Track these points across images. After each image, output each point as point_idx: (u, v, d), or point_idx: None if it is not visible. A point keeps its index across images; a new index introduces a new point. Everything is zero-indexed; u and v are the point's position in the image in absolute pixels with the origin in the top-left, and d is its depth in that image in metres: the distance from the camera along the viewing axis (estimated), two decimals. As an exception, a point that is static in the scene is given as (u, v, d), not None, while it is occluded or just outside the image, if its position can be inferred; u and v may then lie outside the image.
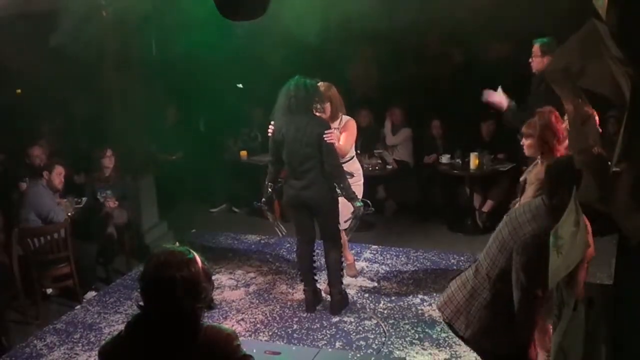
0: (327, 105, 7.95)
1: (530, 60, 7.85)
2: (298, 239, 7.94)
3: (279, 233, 8.12)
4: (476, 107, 8.57)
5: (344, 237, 8.11)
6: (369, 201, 7.89)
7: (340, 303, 7.91)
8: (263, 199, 7.94)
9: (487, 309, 4.92)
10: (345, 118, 8.21)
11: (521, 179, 6.49)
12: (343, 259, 8.04)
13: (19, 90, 11.73)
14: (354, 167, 8.29)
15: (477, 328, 4.96)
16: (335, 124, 7.99)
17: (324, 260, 8.05)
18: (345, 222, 7.90)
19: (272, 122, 7.62)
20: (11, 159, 10.17)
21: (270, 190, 7.89)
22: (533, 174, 6.19)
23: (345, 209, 7.79)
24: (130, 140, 9.71)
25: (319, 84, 7.79)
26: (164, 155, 11.75)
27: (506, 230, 4.83)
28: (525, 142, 6.35)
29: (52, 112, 11.15)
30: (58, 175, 8.66)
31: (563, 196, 4.26)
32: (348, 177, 7.88)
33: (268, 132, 7.69)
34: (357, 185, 8.20)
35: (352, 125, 8.17)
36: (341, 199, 7.69)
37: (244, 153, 11.44)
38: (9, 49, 8.76)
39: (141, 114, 9.77)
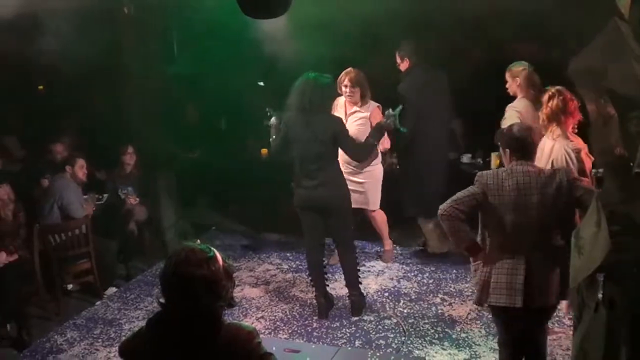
0: (357, 90, 8.23)
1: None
2: (308, 245, 7.82)
3: None
4: (498, 106, 8.52)
5: (384, 221, 8.23)
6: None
7: (360, 304, 7.85)
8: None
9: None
10: (373, 104, 8.38)
11: None
12: (381, 248, 8.26)
13: (41, 87, 11.78)
14: (374, 152, 8.37)
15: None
16: (363, 109, 8.24)
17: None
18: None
19: (269, 111, 7.67)
20: (33, 155, 10.21)
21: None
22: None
23: (376, 189, 8.07)
24: (151, 137, 9.74)
25: (348, 69, 7.96)
26: (185, 152, 11.76)
27: None
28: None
29: (73, 109, 11.18)
30: (81, 168, 8.72)
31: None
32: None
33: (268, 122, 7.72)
34: (377, 167, 8.52)
35: (379, 112, 8.27)
36: (371, 182, 7.75)
37: (264, 151, 11.42)
38: (31, 45, 8.80)
39: (162, 111, 9.79)
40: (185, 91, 11.13)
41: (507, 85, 7.88)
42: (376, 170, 8.61)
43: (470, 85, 9.27)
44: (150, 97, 9.66)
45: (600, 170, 6.60)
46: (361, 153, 7.68)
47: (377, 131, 7.45)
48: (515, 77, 7.92)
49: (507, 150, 5.44)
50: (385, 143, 8.46)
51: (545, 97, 6.77)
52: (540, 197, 5.21)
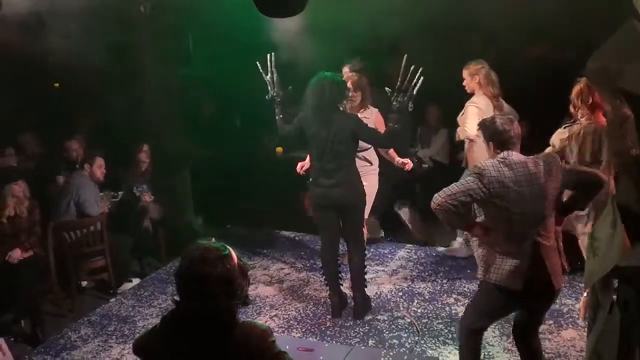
0: (358, 94, 8.12)
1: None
2: (323, 242, 7.78)
3: None
4: (514, 105, 8.50)
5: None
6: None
7: (363, 307, 7.82)
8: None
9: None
10: (374, 110, 8.32)
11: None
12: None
13: (57, 84, 11.82)
14: (373, 157, 8.34)
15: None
16: (364, 114, 8.08)
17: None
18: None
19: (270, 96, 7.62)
20: (49, 152, 10.25)
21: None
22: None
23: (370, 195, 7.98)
24: (167, 135, 9.77)
25: (350, 72, 7.93)
26: (200, 150, 11.78)
27: None
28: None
29: (89, 107, 11.22)
30: (99, 167, 8.77)
31: None
32: (367, 165, 8.10)
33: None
34: (373, 174, 8.33)
35: (381, 117, 8.21)
36: (366, 186, 7.71)
37: (279, 149, 11.42)
38: (47, 43, 8.83)
39: (177, 109, 9.82)
40: (200, 90, 11.15)
41: (464, 83, 7.96)
42: (372, 177, 8.43)
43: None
44: (165, 95, 9.69)
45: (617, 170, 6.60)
46: (386, 140, 7.59)
47: (393, 113, 7.31)
48: (474, 75, 8.19)
49: (491, 143, 5.47)
50: (408, 164, 8.40)
51: (578, 88, 7.30)
52: (540, 185, 5.27)
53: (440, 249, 9.51)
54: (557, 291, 5.51)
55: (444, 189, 5.32)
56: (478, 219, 5.52)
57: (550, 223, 5.42)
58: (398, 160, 8.38)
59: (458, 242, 9.25)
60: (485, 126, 5.54)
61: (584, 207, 6.27)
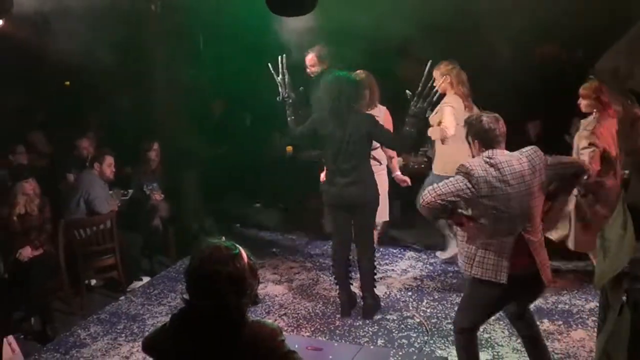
0: (366, 93, 8.07)
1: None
2: (335, 242, 7.77)
3: None
4: (523, 106, 8.50)
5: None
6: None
7: (373, 307, 7.80)
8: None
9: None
10: (382, 108, 8.34)
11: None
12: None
13: (67, 83, 11.86)
14: (380, 155, 8.32)
15: None
16: (373, 112, 8.04)
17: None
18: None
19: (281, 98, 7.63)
20: (59, 150, 10.28)
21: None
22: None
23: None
24: (177, 134, 9.78)
25: (358, 71, 7.95)
26: (210, 149, 11.79)
27: None
28: (583, 102, 7.44)
29: (99, 105, 11.25)
30: (109, 165, 8.79)
31: None
32: (377, 164, 8.08)
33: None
34: (382, 173, 8.32)
35: (389, 116, 8.30)
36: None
37: (289, 148, 11.43)
38: (58, 42, 8.85)
39: (188, 108, 9.83)
40: (210, 88, 11.17)
41: (434, 83, 7.96)
42: (382, 176, 8.38)
43: (496, 84, 9.28)
44: (175, 94, 9.70)
45: (627, 171, 6.59)
46: (401, 144, 7.61)
47: (411, 117, 7.29)
48: (445, 75, 8.19)
49: (476, 141, 5.46)
50: (406, 182, 8.49)
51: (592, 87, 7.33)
52: (526, 183, 5.30)
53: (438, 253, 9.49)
54: (545, 285, 5.53)
55: (433, 187, 5.36)
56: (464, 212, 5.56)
57: (538, 218, 5.45)
58: (397, 175, 8.50)
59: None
60: (471, 124, 5.54)
61: (569, 194, 6.37)
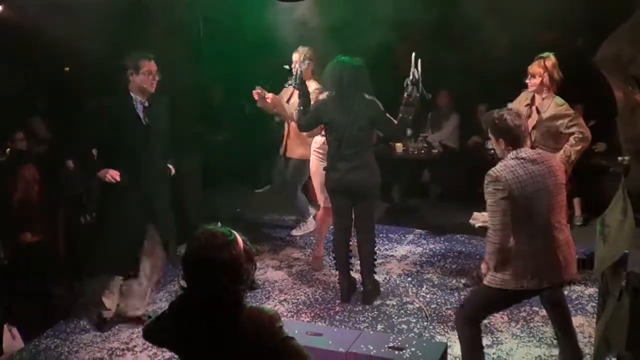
0: (310, 64, 8.26)
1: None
2: (336, 226, 7.81)
3: None
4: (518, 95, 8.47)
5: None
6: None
7: (373, 293, 7.81)
8: None
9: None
10: (315, 84, 8.33)
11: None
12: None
13: (67, 68, 11.81)
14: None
15: None
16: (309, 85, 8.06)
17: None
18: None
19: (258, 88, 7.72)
20: (58, 138, 10.26)
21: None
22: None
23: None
24: (176, 120, 9.75)
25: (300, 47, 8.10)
26: (210, 135, 11.78)
27: None
28: (532, 81, 7.60)
29: (99, 91, 11.21)
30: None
31: None
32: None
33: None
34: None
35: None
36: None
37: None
38: (58, 29, 8.83)
39: (187, 94, 9.80)
40: (210, 75, 11.15)
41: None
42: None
43: (497, 71, 9.28)
44: (174, 80, 9.66)
45: (627, 157, 6.58)
46: (398, 132, 7.72)
47: (406, 105, 7.29)
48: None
49: (501, 140, 5.41)
50: None
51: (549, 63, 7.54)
52: (555, 178, 5.30)
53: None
54: (567, 281, 5.52)
55: (489, 233, 5.33)
56: (483, 214, 5.54)
57: (563, 213, 5.41)
58: None
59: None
60: (494, 123, 5.48)
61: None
